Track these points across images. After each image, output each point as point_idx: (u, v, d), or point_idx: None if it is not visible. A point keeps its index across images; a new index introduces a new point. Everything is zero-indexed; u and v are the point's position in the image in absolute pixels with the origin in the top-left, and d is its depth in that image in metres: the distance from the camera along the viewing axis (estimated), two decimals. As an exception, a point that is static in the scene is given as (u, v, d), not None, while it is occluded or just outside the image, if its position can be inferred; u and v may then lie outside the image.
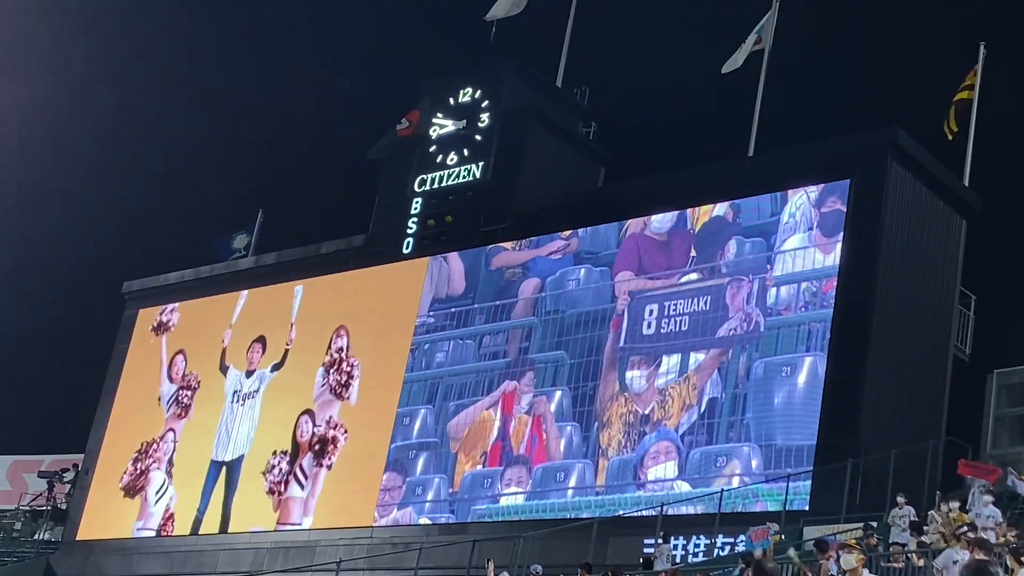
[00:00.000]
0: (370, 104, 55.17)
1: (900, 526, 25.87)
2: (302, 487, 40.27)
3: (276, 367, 42.97)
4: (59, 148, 61.96)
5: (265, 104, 63.65)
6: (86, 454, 47.59)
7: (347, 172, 55.16)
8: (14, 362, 62.58)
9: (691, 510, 31.98)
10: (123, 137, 64.94)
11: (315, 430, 40.79)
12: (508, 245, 38.84)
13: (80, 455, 48.14)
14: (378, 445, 39.12)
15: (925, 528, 25.21)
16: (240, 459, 42.55)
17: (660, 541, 28.80)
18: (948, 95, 35.00)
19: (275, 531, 40.36)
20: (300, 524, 39.84)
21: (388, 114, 43.42)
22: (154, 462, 44.96)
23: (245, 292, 45.04)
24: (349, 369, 40.71)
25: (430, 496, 37.49)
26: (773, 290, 33.13)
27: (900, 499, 26.74)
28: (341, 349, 41.28)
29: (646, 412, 34.05)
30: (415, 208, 41.15)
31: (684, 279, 34.42)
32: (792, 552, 24.61)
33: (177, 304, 47.15)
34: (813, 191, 33.31)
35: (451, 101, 41.81)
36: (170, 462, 44.61)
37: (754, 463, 31.84)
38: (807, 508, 29.95)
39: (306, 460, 40.59)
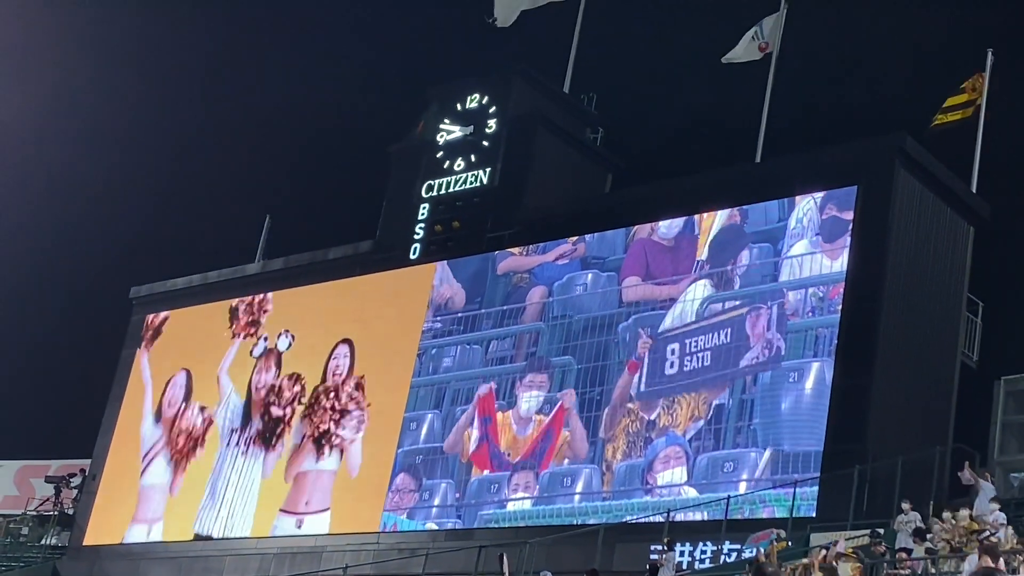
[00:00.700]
0: (378, 109, 55.29)
1: (906, 532, 25.84)
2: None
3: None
4: (66, 153, 62.07)
5: (273, 109, 63.74)
6: (93, 459, 47.60)
7: (354, 178, 55.23)
8: (22, 367, 62.69)
9: (698, 516, 31.94)
10: (131, 142, 65.06)
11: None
12: (515, 250, 38.85)
13: (87, 460, 48.17)
14: (385, 450, 39.10)
15: (929, 536, 25.19)
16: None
17: (665, 548, 28.76)
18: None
19: (282, 537, 40.34)
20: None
21: (395, 119, 43.54)
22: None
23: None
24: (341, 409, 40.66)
25: (437, 501, 37.47)
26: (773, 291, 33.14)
27: (905, 505, 26.71)
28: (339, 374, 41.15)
29: (651, 418, 33.97)
30: (422, 214, 41.18)
31: (707, 308, 34.08)
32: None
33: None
34: (820, 197, 33.28)
35: (459, 107, 41.85)
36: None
37: (761, 469, 31.80)
38: (814, 514, 29.90)
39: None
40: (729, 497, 30.84)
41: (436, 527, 37.20)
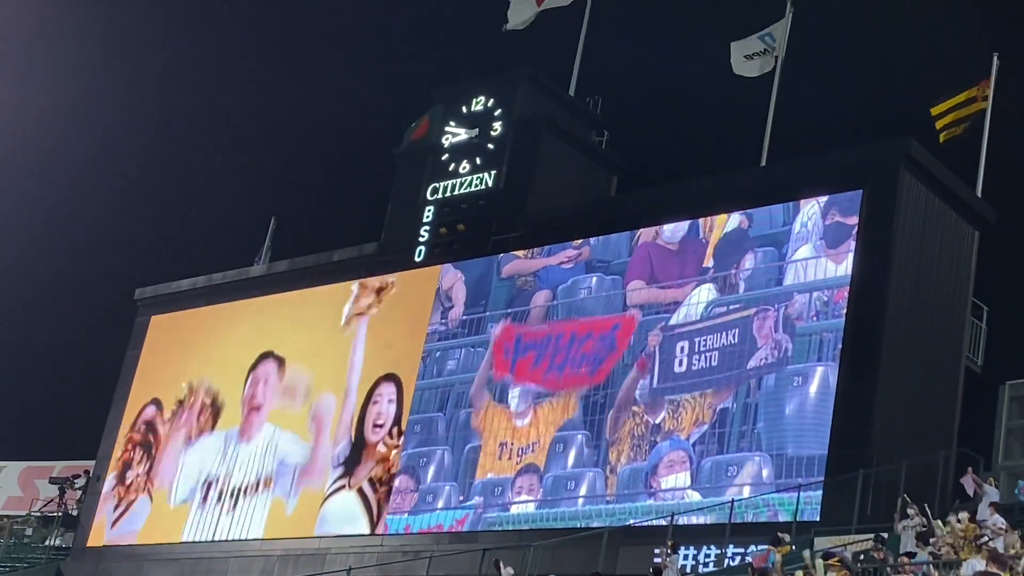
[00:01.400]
0: (383, 112, 55.32)
1: (910, 536, 25.79)
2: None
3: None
4: (72, 155, 62.18)
5: (279, 112, 63.86)
6: (97, 460, 47.64)
7: (360, 180, 55.30)
8: (27, 368, 62.81)
9: (701, 520, 31.92)
10: (136, 145, 65.16)
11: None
12: (520, 253, 38.86)
13: (91, 461, 48.19)
14: (389, 452, 39.12)
15: (932, 540, 25.16)
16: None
17: (669, 551, 28.75)
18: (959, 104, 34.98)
19: (285, 539, 40.34)
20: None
21: (401, 122, 43.55)
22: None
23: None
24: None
25: (440, 504, 37.46)
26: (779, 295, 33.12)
27: (910, 510, 26.67)
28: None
29: (656, 422, 33.96)
30: (427, 216, 41.20)
31: (712, 311, 34.05)
32: (806, 554, 24.64)
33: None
34: (825, 201, 33.27)
35: (464, 109, 41.87)
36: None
37: (765, 473, 31.79)
38: (818, 518, 29.86)
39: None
40: (733, 501, 30.82)
41: (440, 529, 37.16)
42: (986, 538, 24.09)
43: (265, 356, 44.10)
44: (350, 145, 59.21)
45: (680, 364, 34.18)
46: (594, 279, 36.97)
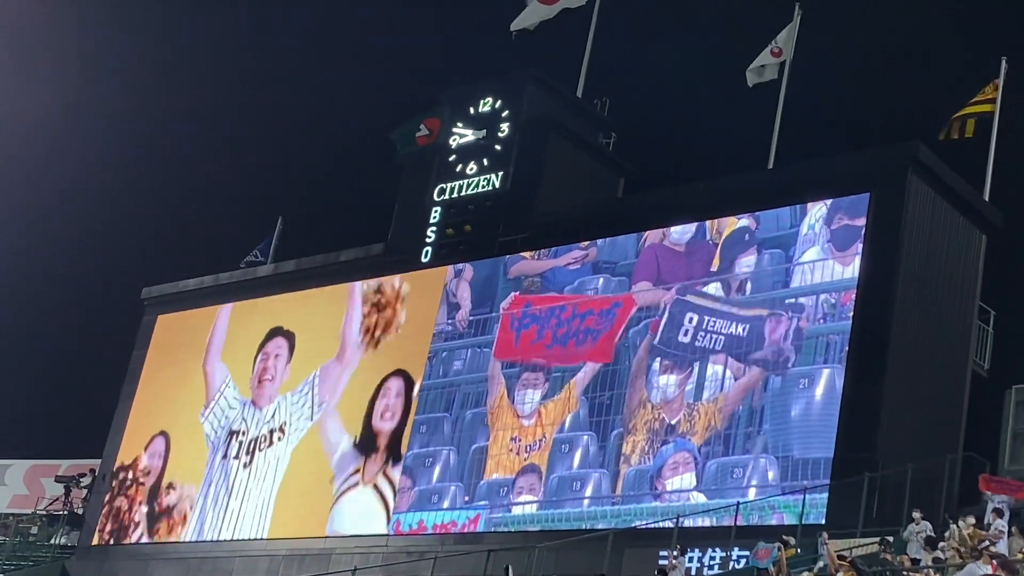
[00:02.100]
0: (391, 112, 55.29)
1: (917, 542, 25.76)
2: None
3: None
4: (79, 155, 62.23)
5: (285, 111, 63.85)
6: (103, 459, 47.70)
7: (366, 180, 55.30)
8: (33, 367, 62.86)
9: (707, 522, 31.90)
10: (143, 144, 65.22)
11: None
12: (527, 254, 38.87)
13: (97, 460, 48.27)
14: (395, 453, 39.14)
15: (940, 545, 25.13)
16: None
17: (676, 554, 28.75)
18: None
19: (290, 539, 40.37)
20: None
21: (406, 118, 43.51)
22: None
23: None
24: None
25: (446, 504, 37.47)
26: (791, 301, 33.05)
27: (916, 515, 26.64)
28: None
29: (673, 422, 33.89)
30: (434, 217, 41.21)
31: (726, 296, 34.10)
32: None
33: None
34: (832, 203, 33.24)
35: (471, 111, 41.88)
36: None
37: (771, 475, 31.77)
38: (823, 521, 29.80)
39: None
40: (739, 503, 30.80)
41: (445, 530, 37.17)
42: (987, 543, 24.05)
43: (274, 333, 44.16)
44: (357, 145, 59.24)
45: (685, 334, 34.19)
46: (601, 280, 36.97)
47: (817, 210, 33.44)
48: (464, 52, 57.61)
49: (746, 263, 34.22)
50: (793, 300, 33.00)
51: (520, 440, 36.61)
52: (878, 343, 31.45)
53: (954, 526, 25.56)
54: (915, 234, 32.63)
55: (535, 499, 35.64)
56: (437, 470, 38.06)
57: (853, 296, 31.99)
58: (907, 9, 49.94)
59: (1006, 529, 24.89)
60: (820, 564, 25.49)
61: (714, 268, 34.74)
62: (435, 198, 41.46)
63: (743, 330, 33.34)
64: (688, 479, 33.09)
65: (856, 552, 26.08)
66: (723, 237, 34.96)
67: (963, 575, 21.60)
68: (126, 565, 44.44)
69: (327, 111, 62.27)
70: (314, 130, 63.19)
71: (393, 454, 39.17)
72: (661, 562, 29.76)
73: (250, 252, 47.79)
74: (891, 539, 26.23)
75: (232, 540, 41.97)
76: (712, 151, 49.11)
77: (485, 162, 40.93)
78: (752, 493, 31.71)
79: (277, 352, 43.95)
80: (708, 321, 33.94)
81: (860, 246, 32.34)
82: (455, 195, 41.14)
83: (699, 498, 32.70)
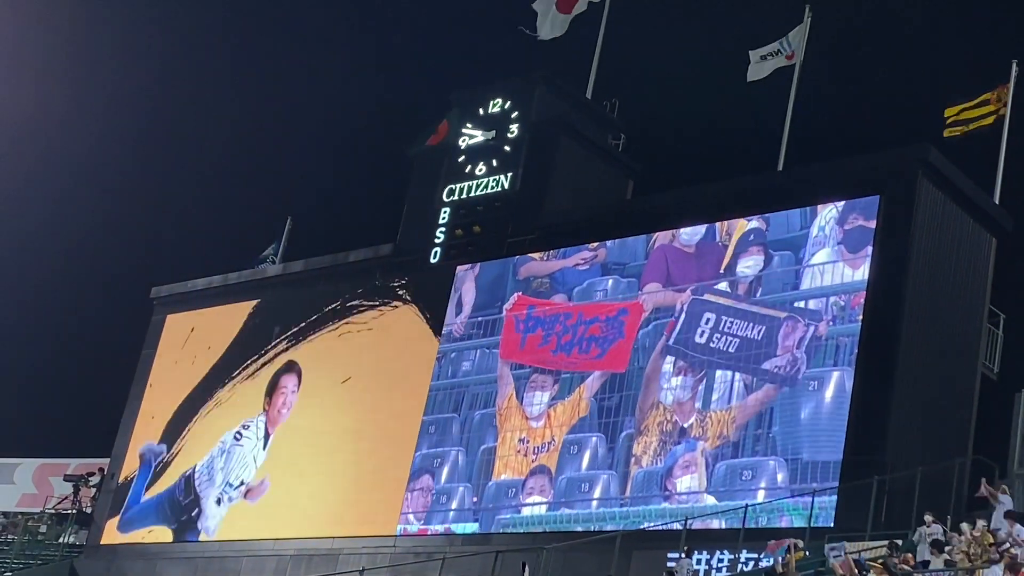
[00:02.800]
0: (400, 113, 55.37)
1: (927, 544, 25.72)
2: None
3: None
4: (89, 154, 62.31)
5: (295, 112, 63.94)
6: (112, 458, 47.77)
7: (376, 181, 55.36)
8: (42, 365, 62.99)
9: (715, 524, 31.87)
10: (153, 145, 65.31)
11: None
12: (536, 255, 38.86)
13: (106, 459, 48.32)
14: (403, 453, 39.14)
15: (947, 548, 25.09)
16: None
17: (683, 556, 28.73)
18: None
19: (298, 539, 40.39)
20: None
21: (417, 123, 43.58)
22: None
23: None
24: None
25: (454, 505, 37.48)
26: (800, 304, 33.02)
27: (928, 517, 26.60)
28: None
29: (685, 425, 33.79)
30: (443, 218, 41.22)
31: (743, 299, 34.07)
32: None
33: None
34: (843, 206, 33.19)
35: (481, 112, 41.89)
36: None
37: (780, 478, 31.74)
38: (832, 524, 29.79)
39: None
40: (747, 506, 30.75)
41: (453, 531, 37.17)
42: (1007, 545, 23.99)
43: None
44: (366, 146, 59.31)
45: (701, 335, 34.13)
46: (610, 281, 36.96)
47: (827, 212, 33.40)
48: (474, 53, 57.64)
49: (756, 265, 34.18)
50: (803, 304, 32.92)
51: (528, 441, 36.62)
52: (888, 346, 31.40)
53: (964, 526, 25.55)
54: (925, 237, 32.59)
55: (545, 500, 35.62)
56: (445, 471, 38.06)
57: (863, 299, 31.95)
58: (917, 12, 49.90)
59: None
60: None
61: (723, 270, 34.71)
62: (444, 199, 41.47)
63: (758, 333, 33.24)
64: (697, 480, 33.05)
65: (864, 556, 26.00)
66: (734, 239, 34.91)
67: None
68: (134, 564, 44.49)
69: (337, 111, 62.37)
70: (324, 130, 63.30)
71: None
72: (669, 564, 29.76)
73: (263, 252, 47.83)
74: (900, 542, 26.20)
75: (240, 540, 41.99)
76: (721, 153, 49.08)
77: (494, 163, 40.93)
78: (761, 495, 31.67)
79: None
80: (725, 322, 33.86)
81: (870, 249, 32.29)
82: (464, 196, 41.14)
83: (708, 500, 32.67)
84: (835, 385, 31.66)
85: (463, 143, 41.81)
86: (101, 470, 48.47)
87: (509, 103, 41.48)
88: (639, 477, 34.12)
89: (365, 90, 61.13)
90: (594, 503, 34.74)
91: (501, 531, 35.92)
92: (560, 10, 43.12)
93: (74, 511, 48.58)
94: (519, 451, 36.69)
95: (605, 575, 29.33)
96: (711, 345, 33.93)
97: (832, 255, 32.96)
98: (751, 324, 33.47)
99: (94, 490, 48.48)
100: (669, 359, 34.64)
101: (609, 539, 31.54)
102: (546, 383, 36.92)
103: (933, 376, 32.31)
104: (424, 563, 35.81)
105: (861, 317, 31.79)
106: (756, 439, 32.46)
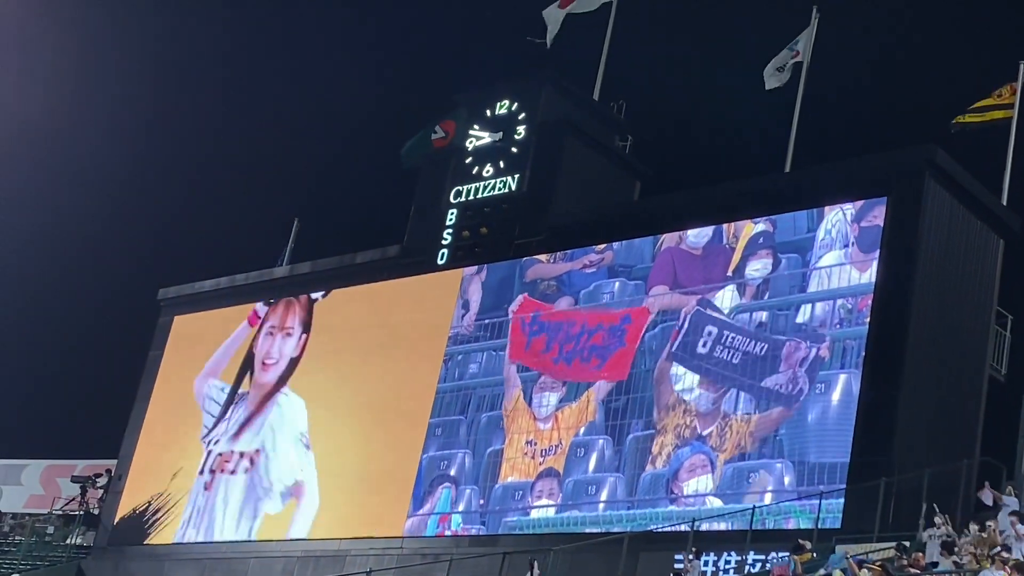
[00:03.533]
0: (407, 114, 55.36)
1: (936, 545, 25.70)
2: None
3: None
4: (95, 155, 62.38)
5: (302, 113, 63.98)
6: (119, 459, 47.81)
7: (382, 182, 55.38)
8: (49, 367, 63.06)
9: (722, 526, 31.85)
10: (159, 145, 65.37)
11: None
12: (543, 257, 38.86)
13: (113, 460, 48.38)
14: (410, 455, 39.15)
15: (956, 549, 25.07)
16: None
17: (692, 557, 28.72)
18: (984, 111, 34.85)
19: (306, 540, 40.41)
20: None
21: (425, 124, 43.52)
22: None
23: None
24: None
25: (461, 507, 37.49)
26: (808, 307, 32.99)
27: (938, 519, 26.57)
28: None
29: (703, 433, 33.61)
30: (450, 219, 41.23)
31: (736, 316, 33.98)
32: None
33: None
34: (850, 208, 33.17)
35: (488, 113, 41.89)
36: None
37: (787, 480, 31.72)
38: (839, 526, 29.79)
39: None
40: (754, 508, 30.73)
41: (460, 532, 37.18)
42: (999, 548, 23.98)
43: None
44: (374, 147, 59.31)
45: (704, 346, 34.09)
46: (617, 284, 36.95)
47: (835, 214, 33.36)
48: (481, 54, 57.67)
49: (764, 268, 34.15)
50: (808, 313, 32.83)
51: (536, 443, 36.62)
52: (895, 348, 31.37)
53: (973, 527, 25.54)
54: (932, 238, 32.53)
55: (554, 503, 35.61)
56: (453, 473, 38.06)
57: (870, 301, 31.90)
58: (924, 12, 49.86)
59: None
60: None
61: (731, 272, 34.69)
62: (451, 200, 41.48)
63: (761, 349, 33.15)
64: (705, 481, 33.03)
65: (872, 557, 25.98)
66: (741, 241, 34.88)
67: None
68: (142, 566, 44.52)
69: (344, 113, 62.38)
70: (331, 132, 63.32)
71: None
72: (677, 566, 29.75)
73: (281, 254, 47.90)
74: (907, 544, 26.16)
75: (247, 541, 42.03)
76: (729, 154, 49.13)
77: (501, 164, 40.93)
78: (768, 498, 31.64)
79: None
80: (727, 336, 33.81)
81: (877, 251, 32.26)
82: (471, 197, 41.15)
83: (715, 502, 32.66)
84: (842, 387, 31.62)
85: (470, 144, 41.82)
86: (108, 471, 48.53)
87: (516, 104, 41.49)
88: (646, 479, 34.10)
89: (372, 91, 61.19)
90: (601, 505, 34.71)
91: (508, 533, 35.91)
92: (560, 5, 43.10)
93: (81, 512, 48.63)
94: (526, 453, 36.69)
95: (612, 577, 29.35)
96: (715, 355, 33.83)
97: (839, 258, 32.90)
98: (753, 341, 33.33)
99: (101, 491, 48.53)
100: (677, 365, 34.53)
101: (616, 541, 31.54)
102: (555, 385, 36.93)
103: (940, 378, 32.27)
104: (431, 564, 35.82)
105: (868, 319, 31.74)
106: (763, 442, 32.43)
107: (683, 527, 31.25)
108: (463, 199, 41.27)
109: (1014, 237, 34.69)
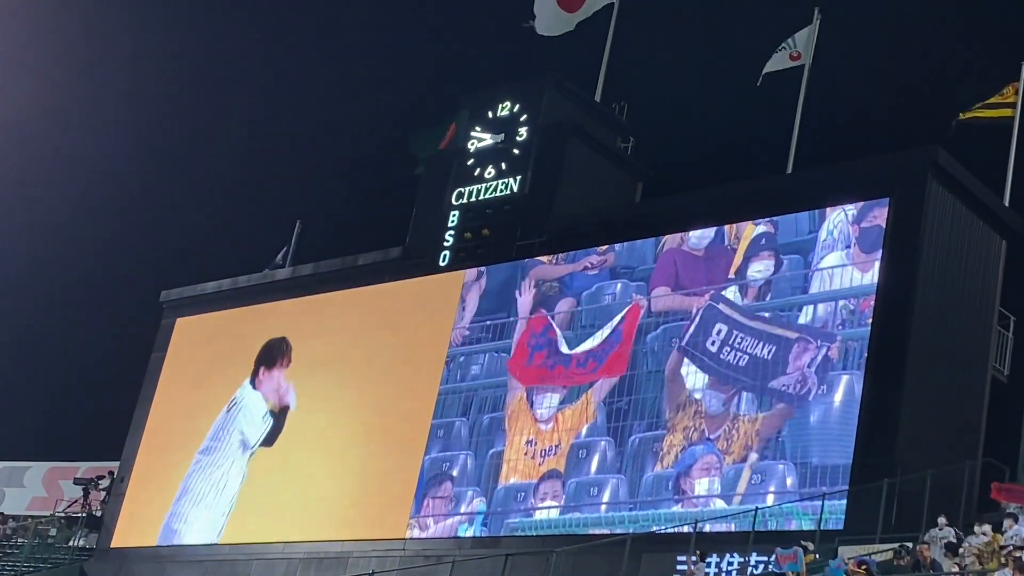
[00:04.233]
0: (409, 116, 55.38)
1: (939, 547, 25.67)
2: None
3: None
4: (98, 158, 62.43)
5: (304, 115, 63.99)
6: (121, 461, 47.81)
7: (385, 184, 55.38)
8: (51, 369, 63.09)
9: (725, 527, 31.83)
10: (162, 148, 65.41)
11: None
12: (544, 259, 38.85)
13: (115, 462, 48.37)
14: (412, 457, 39.15)
15: (960, 551, 25.05)
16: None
17: (696, 560, 28.70)
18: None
19: (308, 542, 40.41)
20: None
21: (427, 126, 43.53)
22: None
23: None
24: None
25: (464, 508, 37.48)
26: (810, 308, 32.95)
27: (941, 520, 26.56)
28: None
29: (712, 436, 33.56)
30: (452, 221, 41.22)
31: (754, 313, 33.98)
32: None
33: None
34: (851, 209, 33.14)
35: (490, 115, 41.89)
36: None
37: (789, 481, 31.69)
38: (842, 527, 29.77)
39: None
40: (757, 509, 30.71)
41: (462, 534, 37.17)
42: (1009, 548, 23.96)
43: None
44: (376, 149, 59.34)
45: (712, 344, 34.06)
46: (619, 285, 36.93)
47: (837, 215, 33.35)
48: (482, 56, 57.67)
49: (766, 269, 34.13)
50: (811, 314, 32.81)
51: (536, 443, 36.60)
52: (897, 349, 31.34)
53: (976, 528, 25.51)
54: (935, 239, 32.52)
55: (558, 505, 35.59)
56: (454, 475, 38.06)
57: (872, 302, 31.88)
58: (926, 12, 49.86)
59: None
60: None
61: (733, 273, 34.67)
62: (453, 202, 41.47)
63: (769, 352, 33.06)
64: (710, 483, 32.99)
65: (875, 558, 25.97)
66: (743, 243, 34.86)
67: None
68: (144, 568, 44.51)
69: (346, 114, 62.40)
70: (333, 134, 63.32)
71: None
72: (680, 567, 29.72)
73: (276, 256, 47.89)
74: (910, 545, 26.14)
75: (250, 543, 42.02)
76: (730, 155, 49.10)
77: (503, 166, 40.93)
78: (770, 499, 31.61)
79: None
80: (736, 336, 33.74)
81: (879, 252, 32.23)
82: (473, 199, 41.14)
83: (718, 503, 32.63)
84: (844, 389, 31.60)
85: (472, 146, 41.82)
86: (111, 473, 48.52)
87: (518, 106, 41.49)
88: (648, 481, 34.08)
89: (374, 93, 61.23)
90: (603, 507, 34.69)
91: (510, 535, 35.91)
92: (565, 9, 43.03)
93: (84, 514, 48.63)
94: (526, 453, 36.68)
95: (614, 578, 29.32)
96: (722, 356, 33.79)
97: (841, 259, 32.88)
98: (761, 342, 33.26)
99: (104, 493, 48.54)
100: (688, 364, 34.46)
101: (619, 542, 31.52)
102: (556, 386, 36.91)
103: (943, 379, 32.25)
104: (434, 566, 35.81)
105: (871, 320, 31.72)
106: (766, 443, 32.41)
107: (686, 528, 31.21)
108: (465, 201, 41.26)
109: (1016, 238, 34.68)
